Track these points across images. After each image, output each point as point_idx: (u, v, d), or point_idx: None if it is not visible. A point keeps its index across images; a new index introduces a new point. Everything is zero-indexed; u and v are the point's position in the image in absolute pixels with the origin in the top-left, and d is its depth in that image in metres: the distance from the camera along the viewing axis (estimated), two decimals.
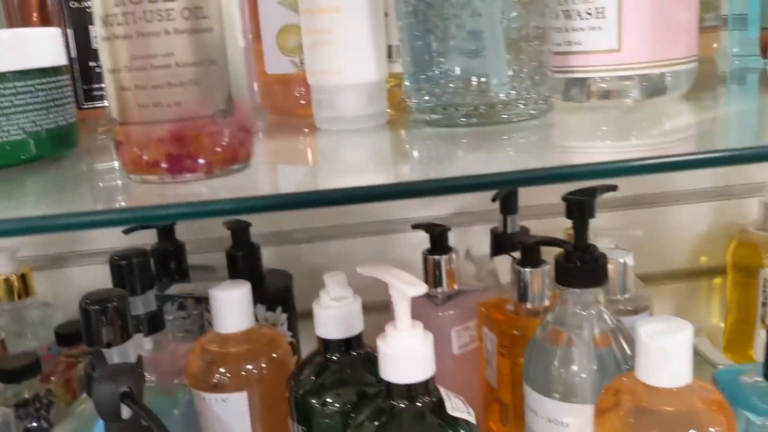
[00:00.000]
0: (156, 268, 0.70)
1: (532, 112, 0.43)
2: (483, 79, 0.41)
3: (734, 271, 0.77)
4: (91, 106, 0.52)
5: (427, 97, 0.43)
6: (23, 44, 0.39)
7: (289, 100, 0.52)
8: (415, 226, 0.68)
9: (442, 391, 0.49)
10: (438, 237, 0.66)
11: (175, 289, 0.68)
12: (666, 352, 0.44)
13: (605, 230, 0.67)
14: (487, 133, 0.42)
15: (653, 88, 0.45)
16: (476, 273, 0.78)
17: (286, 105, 0.53)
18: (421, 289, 0.48)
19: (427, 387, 0.47)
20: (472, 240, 0.79)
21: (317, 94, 0.46)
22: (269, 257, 0.77)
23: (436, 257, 0.66)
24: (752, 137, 0.41)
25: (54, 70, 0.41)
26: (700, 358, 0.78)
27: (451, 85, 0.42)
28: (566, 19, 0.44)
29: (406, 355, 0.47)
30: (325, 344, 0.54)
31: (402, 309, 0.49)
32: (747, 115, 0.45)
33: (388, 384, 0.46)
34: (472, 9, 0.40)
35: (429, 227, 0.66)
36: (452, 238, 0.79)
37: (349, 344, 0.54)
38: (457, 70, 0.42)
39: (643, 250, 0.80)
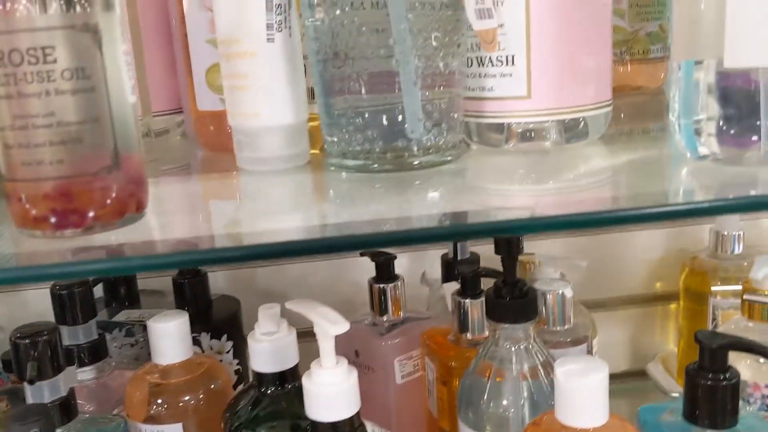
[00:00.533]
0: (105, 293, 0.71)
1: (448, 158, 0.43)
2: (394, 126, 0.42)
3: (686, 298, 0.77)
4: None
5: (339, 144, 0.43)
6: None
7: (221, 135, 0.53)
8: (363, 253, 0.68)
9: (369, 426, 0.49)
10: (383, 265, 0.66)
11: (122, 316, 0.68)
12: (581, 392, 0.44)
13: (550, 259, 0.67)
14: (402, 178, 0.43)
15: (571, 132, 0.45)
16: (429, 297, 0.78)
17: (218, 141, 0.53)
18: (344, 327, 0.48)
19: (352, 424, 0.47)
20: (429, 263, 0.80)
21: (237, 135, 0.46)
22: (223, 281, 0.77)
23: (382, 285, 0.66)
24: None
25: None
26: (653, 385, 0.79)
27: (360, 132, 0.42)
28: (479, 66, 0.44)
29: (330, 393, 0.47)
30: (259, 377, 0.54)
31: (326, 347, 0.49)
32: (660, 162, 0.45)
33: (313, 422, 0.47)
34: (381, 57, 0.41)
35: (375, 255, 0.67)
36: (409, 261, 0.80)
37: (283, 377, 0.54)
38: (367, 117, 0.42)
39: (599, 275, 0.80)
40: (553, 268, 0.67)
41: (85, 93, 0.31)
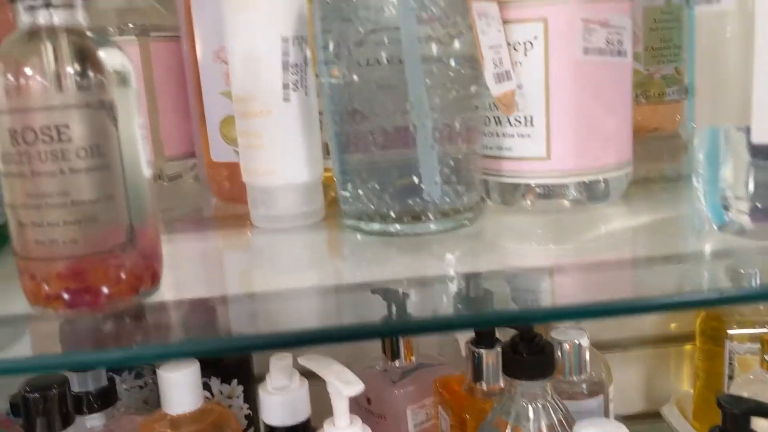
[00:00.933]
0: None
1: (465, 222, 0.43)
2: (411, 188, 0.41)
3: (702, 340, 0.76)
4: None
5: (354, 203, 0.43)
6: None
7: (234, 186, 0.52)
8: (374, 291, 0.67)
9: None
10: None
11: None
12: None
13: None
14: (419, 238, 0.42)
15: (592, 192, 0.44)
16: (441, 337, 0.77)
17: (232, 191, 0.53)
18: (358, 388, 0.48)
19: None
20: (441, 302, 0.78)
21: (252, 193, 0.46)
22: None
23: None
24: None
25: None
26: (668, 427, 0.77)
27: (376, 195, 0.42)
28: (497, 125, 0.44)
29: None
30: (271, 430, 0.54)
31: (340, 407, 0.49)
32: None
33: None
34: (398, 115, 0.40)
35: (386, 296, 0.66)
36: (421, 299, 0.79)
37: (295, 431, 0.54)
38: (384, 177, 0.41)
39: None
40: None
41: (100, 171, 0.31)
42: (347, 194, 0.43)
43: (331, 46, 0.41)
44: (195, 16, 0.51)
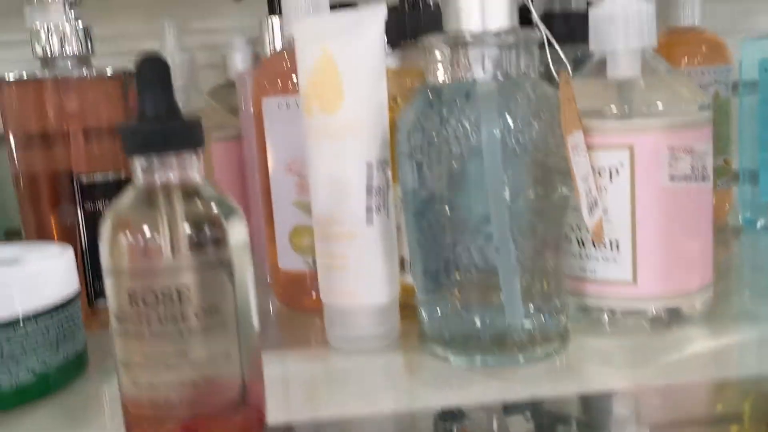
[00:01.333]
0: None
1: (552, 352, 0.42)
2: (497, 314, 0.41)
3: (752, 423, 0.75)
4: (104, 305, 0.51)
5: (437, 328, 0.43)
6: (36, 283, 0.39)
7: (301, 293, 0.52)
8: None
9: None
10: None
11: None
12: None
13: None
14: (503, 371, 0.41)
15: (675, 315, 0.44)
16: None
17: (299, 300, 0.53)
18: None
19: None
20: None
21: (329, 312, 0.45)
22: None
23: (447, 423, 0.64)
24: None
25: (66, 302, 0.41)
26: None
27: (461, 318, 0.41)
28: (580, 246, 0.44)
29: None
30: None
31: None
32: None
33: None
34: (483, 240, 0.40)
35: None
36: None
37: None
38: (469, 304, 0.41)
39: (656, 396, 0.78)
40: None
41: (217, 329, 0.31)
42: (430, 315, 0.43)
43: (416, 171, 0.42)
44: (267, 128, 0.51)
